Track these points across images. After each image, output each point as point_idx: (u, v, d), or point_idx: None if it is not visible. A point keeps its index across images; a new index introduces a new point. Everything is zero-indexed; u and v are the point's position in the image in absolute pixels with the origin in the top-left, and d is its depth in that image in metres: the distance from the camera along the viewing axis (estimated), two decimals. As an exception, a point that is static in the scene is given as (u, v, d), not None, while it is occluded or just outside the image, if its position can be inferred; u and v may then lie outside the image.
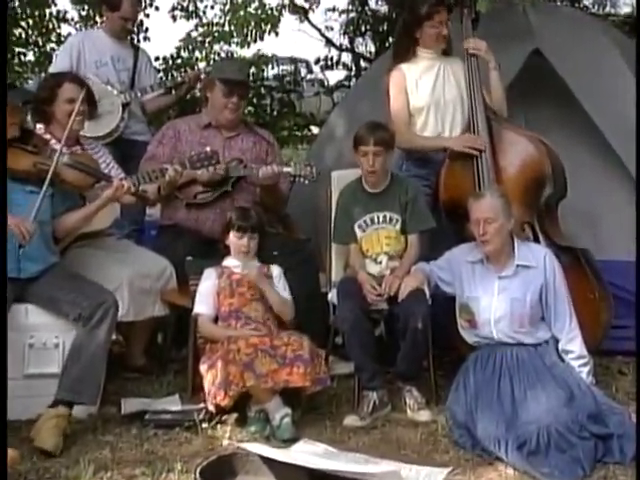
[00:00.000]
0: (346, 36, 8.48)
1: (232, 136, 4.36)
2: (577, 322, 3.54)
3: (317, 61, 8.41)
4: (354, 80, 7.91)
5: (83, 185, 3.72)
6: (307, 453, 3.15)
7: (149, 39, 6.84)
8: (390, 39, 7.88)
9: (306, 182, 4.22)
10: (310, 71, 8.57)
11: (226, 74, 4.33)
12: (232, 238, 3.75)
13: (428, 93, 4.19)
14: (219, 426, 3.44)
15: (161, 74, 6.43)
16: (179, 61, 6.98)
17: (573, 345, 3.51)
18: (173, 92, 5.21)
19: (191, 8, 7.19)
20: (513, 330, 3.52)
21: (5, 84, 3.74)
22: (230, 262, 3.78)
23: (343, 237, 3.95)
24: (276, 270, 3.80)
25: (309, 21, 8.51)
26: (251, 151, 4.35)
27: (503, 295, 3.55)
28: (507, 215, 3.56)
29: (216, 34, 6.46)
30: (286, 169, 4.21)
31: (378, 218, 3.89)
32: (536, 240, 3.91)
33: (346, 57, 8.57)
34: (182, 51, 6.91)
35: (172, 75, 6.60)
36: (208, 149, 4.00)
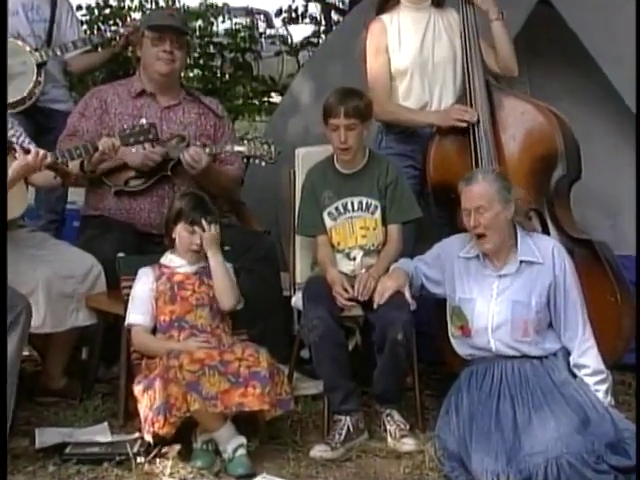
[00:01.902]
0: (314, -18, 8.55)
1: (171, 106, 4.40)
2: (593, 330, 3.61)
3: (279, 13, 8.47)
4: (324, 37, 7.97)
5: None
6: (266, 491, 3.20)
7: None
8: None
9: (263, 164, 4.26)
10: (270, 25, 8.62)
11: (153, 20, 4.43)
12: (181, 232, 3.76)
13: (414, 52, 4.24)
14: (158, 460, 3.46)
15: (85, 27, 6.42)
16: (107, 11, 6.98)
17: (588, 358, 3.58)
18: (100, 50, 5.21)
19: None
20: (515, 339, 3.58)
21: (5, 81, 3.82)
22: (171, 260, 3.80)
23: (310, 228, 4.00)
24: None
25: (269, -37, 8.55)
26: (195, 125, 4.39)
27: (503, 297, 3.61)
28: (505, 200, 3.61)
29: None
30: (238, 148, 4.24)
31: (352, 204, 3.95)
32: (545, 231, 3.99)
33: (314, 8, 8.63)
34: (110, -2, 6.94)
35: (99, 28, 6.59)
36: (144, 121, 4.03)
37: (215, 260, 3.75)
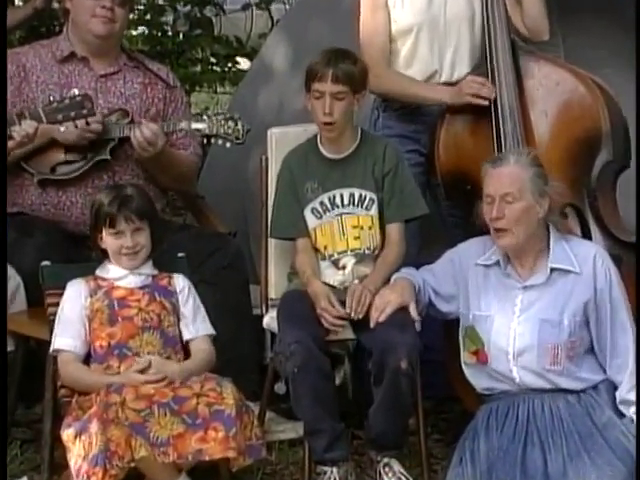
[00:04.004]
0: None
1: (109, 74, 4.46)
2: (646, 358, 3.68)
3: (247, -45, 8.49)
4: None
5: None
6: None
7: None
8: None
9: (227, 145, 4.30)
10: (236, -29, 8.65)
11: None
12: (106, 237, 3.80)
13: (421, 7, 4.32)
14: (93, 523, 3.49)
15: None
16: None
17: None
18: (17, 2, 5.25)
19: None
20: (543, 368, 3.66)
21: (5, 81, 4.02)
22: (109, 271, 3.85)
23: (287, 228, 4.05)
24: (182, 282, 3.89)
25: None
26: (140, 97, 4.46)
27: (528, 314, 3.69)
28: (539, 192, 3.68)
29: None
30: (196, 126, 4.30)
31: (342, 198, 4.01)
32: (585, 232, 4.09)
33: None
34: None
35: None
36: (76, 92, 4.08)
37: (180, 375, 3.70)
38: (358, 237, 3.99)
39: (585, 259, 3.72)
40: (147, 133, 4.18)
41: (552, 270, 3.70)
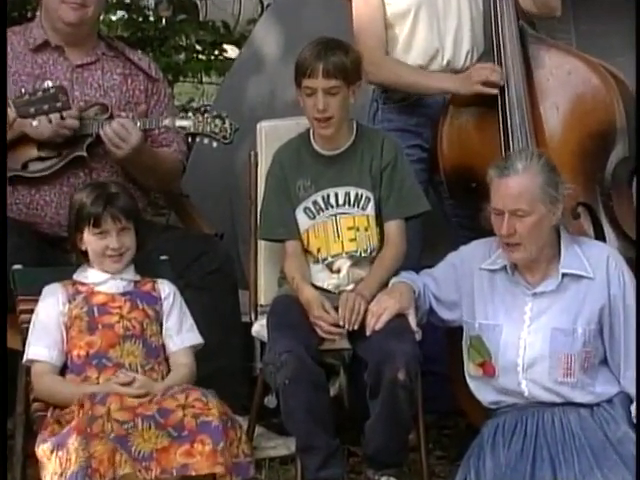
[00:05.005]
0: None
1: (86, 64, 4.49)
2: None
3: None
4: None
5: None
6: None
7: None
8: None
9: (214, 144, 4.34)
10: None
11: None
12: (89, 238, 3.82)
13: None
14: None
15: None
16: None
17: (656, 406, 3.68)
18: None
19: None
20: (555, 380, 3.70)
21: (5, 81, 4.08)
22: (89, 275, 3.87)
23: (278, 229, 4.08)
24: (167, 288, 3.92)
25: None
26: (119, 89, 4.49)
27: (539, 323, 3.73)
28: (551, 200, 3.70)
29: None
30: (180, 123, 4.33)
31: (337, 197, 4.05)
32: (598, 232, 4.13)
33: None
34: None
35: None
36: (49, 84, 4.10)
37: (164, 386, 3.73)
38: (354, 239, 4.02)
39: (598, 262, 3.76)
40: (117, 127, 4.21)
41: (564, 275, 3.74)
